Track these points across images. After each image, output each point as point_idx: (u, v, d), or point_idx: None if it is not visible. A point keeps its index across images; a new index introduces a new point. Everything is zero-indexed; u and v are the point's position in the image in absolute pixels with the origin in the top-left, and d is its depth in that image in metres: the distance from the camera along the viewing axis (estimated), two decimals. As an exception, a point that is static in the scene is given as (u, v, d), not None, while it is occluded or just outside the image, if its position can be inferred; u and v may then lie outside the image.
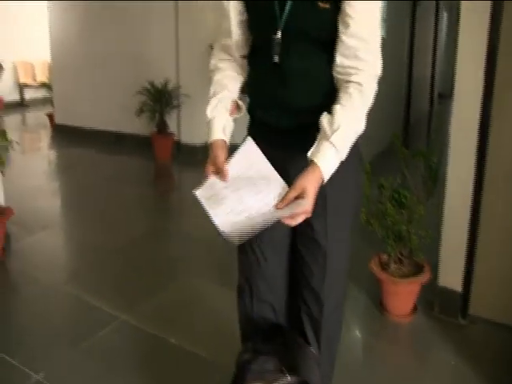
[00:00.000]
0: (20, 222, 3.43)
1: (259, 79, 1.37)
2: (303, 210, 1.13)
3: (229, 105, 1.37)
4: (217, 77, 1.42)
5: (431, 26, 9.10)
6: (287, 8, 1.23)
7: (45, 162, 5.84)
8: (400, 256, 2.38)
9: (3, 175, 3.16)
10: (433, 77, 9.84)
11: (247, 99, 1.39)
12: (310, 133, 1.23)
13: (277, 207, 1.16)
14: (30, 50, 9.63)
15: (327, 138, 1.16)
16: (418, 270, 2.39)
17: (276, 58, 1.26)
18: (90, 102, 6.46)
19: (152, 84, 5.32)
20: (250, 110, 1.41)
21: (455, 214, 2.33)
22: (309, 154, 1.17)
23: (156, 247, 3.26)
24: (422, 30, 7.58)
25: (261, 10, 1.29)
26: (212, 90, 1.40)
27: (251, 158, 1.21)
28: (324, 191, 1.21)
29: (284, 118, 1.30)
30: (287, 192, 1.15)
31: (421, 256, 2.39)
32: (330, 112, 1.19)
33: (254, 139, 1.24)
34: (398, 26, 5.93)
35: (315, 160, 1.15)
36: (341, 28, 1.20)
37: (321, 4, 1.19)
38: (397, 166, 2.41)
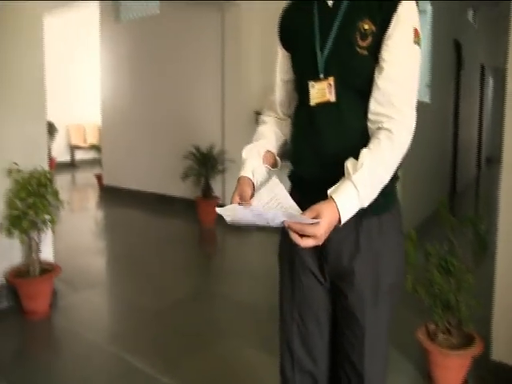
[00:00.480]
0: (67, 279, 3.52)
1: (297, 128, 1.39)
2: (313, 231, 1.09)
3: (262, 151, 1.40)
4: (259, 128, 1.48)
5: (477, 91, 9.12)
6: (325, 52, 1.25)
7: (93, 222, 6.02)
8: (448, 326, 2.28)
9: (53, 233, 3.28)
10: (480, 141, 9.74)
11: (289, 165, 1.42)
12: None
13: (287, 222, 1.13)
14: (82, 113, 10.28)
15: (348, 177, 1.14)
16: (467, 341, 2.27)
17: (312, 102, 1.28)
18: (137, 165, 6.73)
19: (198, 148, 5.48)
20: (290, 175, 1.42)
21: (507, 283, 2.24)
22: (329, 190, 1.14)
23: (199, 309, 3.25)
24: (467, 95, 7.61)
25: (304, 58, 1.32)
26: (253, 138, 1.46)
27: (275, 192, 1.21)
28: (352, 263, 1.22)
29: (317, 168, 1.30)
30: (303, 213, 1.13)
31: (471, 327, 2.28)
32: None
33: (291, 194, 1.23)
34: (442, 91, 5.98)
35: (333, 195, 1.13)
36: (376, 73, 1.21)
37: (359, 50, 1.21)
38: (443, 233, 2.36)
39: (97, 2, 7.05)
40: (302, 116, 1.36)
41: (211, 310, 3.31)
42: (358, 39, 1.21)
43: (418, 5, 1.24)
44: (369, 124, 1.24)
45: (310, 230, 1.09)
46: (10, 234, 2.81)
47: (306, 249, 1.20)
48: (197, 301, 3.42)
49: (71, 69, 9.89)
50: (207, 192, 5.50)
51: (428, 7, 5.09)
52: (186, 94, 5.96)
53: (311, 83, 1.28)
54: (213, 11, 5.47)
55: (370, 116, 1.22)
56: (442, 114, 6.09)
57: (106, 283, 3.92)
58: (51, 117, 8.18)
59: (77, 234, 5.19)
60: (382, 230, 1.27)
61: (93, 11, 7.42)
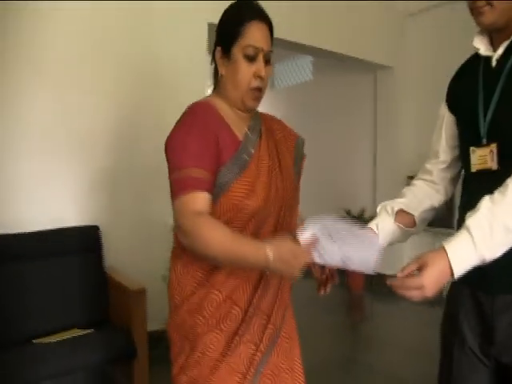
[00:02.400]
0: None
1: (462, 195, 1.34)
2: (415, 284, 1.03)
3: (396, 209, 1.38)
4: (404, 189, 1.47)
5: None
6: (488, 116, 1.20)
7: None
8: None
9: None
10: None
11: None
12: None
13: (397, 276, 1.08)
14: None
15: (464, 225, 1.05)
16: None
17: (473, 168, 1.23)
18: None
19: (348, 212, 5.48)
20: None
21: None
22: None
23: (338, 376, 3.16)
24: None
25: (467, 122, 1.28)
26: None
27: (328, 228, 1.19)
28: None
29: None
30: (409, 262, 1.08)
31: None
32: None
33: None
34: None
35: (444, 243, 1.05)
36: None
37: None
38: None
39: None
40: (464, 183, 1.33)
41: (356, 379, 3.19)
42: None
43: None
44: None
45: (412, 284, 1.04)
46: (171, 285, 3.06)
47: (470, 323, 1.15)
48: (337, 367, 3.33)
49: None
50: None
51: None
52: (339, 157, 6.06)
53: (472, 149, 1.24)
54: (365, 74, 5.58)
55: None
56: None
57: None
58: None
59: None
60: None
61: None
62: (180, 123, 1.31)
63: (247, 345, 1.31)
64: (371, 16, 4.88)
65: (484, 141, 1.21)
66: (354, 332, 4.38)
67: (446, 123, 1.41)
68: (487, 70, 1.25)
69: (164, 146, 1.33)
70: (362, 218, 5.40)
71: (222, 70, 1.36)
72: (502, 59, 1.21)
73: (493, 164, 1.18)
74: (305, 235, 1.18)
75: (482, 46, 1.28)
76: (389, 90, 5.35)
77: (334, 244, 1.17)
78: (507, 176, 1.11)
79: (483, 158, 1.20)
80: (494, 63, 1.23)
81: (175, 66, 3.38)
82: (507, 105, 1.17)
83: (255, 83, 1.34)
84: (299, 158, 1.54)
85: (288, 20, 3.95)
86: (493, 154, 1.19)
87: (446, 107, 1.41)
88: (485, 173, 1.21)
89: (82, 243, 2.84)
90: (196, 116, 1.29)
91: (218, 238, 1.16)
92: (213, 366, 1.28)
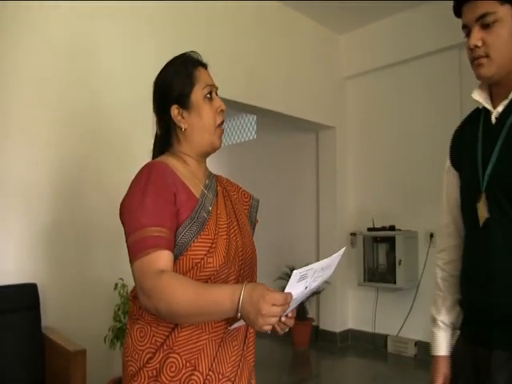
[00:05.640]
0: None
1: (464, 252, 1.36)
2: None
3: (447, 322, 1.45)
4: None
5: None
6: (488, 171, 1.22)
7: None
8: None
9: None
10: None
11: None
12: None
13: None
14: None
15: None
16: None
17: (480, 224, 1.24)
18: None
19: (292, 269, 5.48)
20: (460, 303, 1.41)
21: None
22: None
23: None
24: None
25: (468, 177, 1.30)
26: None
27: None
28: None
29: (489, 297, 1.22)
30: None
31: None
32: None
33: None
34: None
35: None
36: None
37: None
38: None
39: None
40: (467, 239, 1.34)
41: None
42: None
43: None
44: None
45: None
46: (112, 345, 2.94)
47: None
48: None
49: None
50: (302, 314, 5.41)
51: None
52: (282, 215, 6.14)
53: (477, 204, 1.26)
54: (308, 134, 5.80)
55: None
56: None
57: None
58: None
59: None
60: None
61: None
62: (135, 183, 1.28)
63: None
64: (313, 79, 5.16)
65: (483, 194, 1.24)
66: (299, 391, 4.31)
67: (450, 180, 1.43)
68: (487, 124, 1.28)
69: (119, 207, 1.30)
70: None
71: (184, 125, 1.37)
72: (502, 116, 1.25)
73: (486, 213, 1.23)
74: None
75: (481, 100, 1.31)
76: (330, 149, 5.55)
77: (305, 288, 1.16)
78: (498, 223, 1.20)
79: (482, 210, 1.24)
80: (493, 120, 1.27)
81: (120, 121, 3.39)
82: (506, 160, 1.20)
83: (220, 118, 1.41)
84: (253, 220, 1.59)
85: (231, 80, 4.10)
86: (491, 206, 1.22)
87: (450, 163, 1.43)
88: (487, 225, 1.23)
89: (17, 302, 2.70)
90: (151, 175, 1.27)
91: (184, 290, 1.13)
92: None
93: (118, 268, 3.05)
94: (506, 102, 1.25)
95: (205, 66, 1.45)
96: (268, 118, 5.46)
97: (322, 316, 5.47)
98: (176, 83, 1.38)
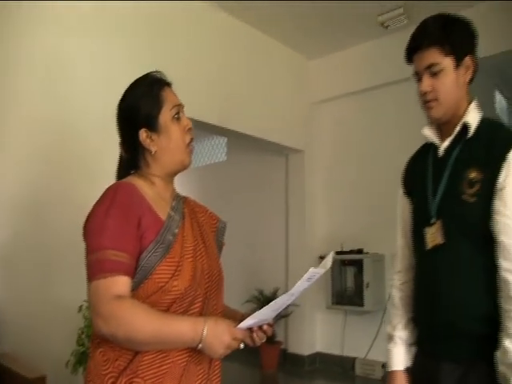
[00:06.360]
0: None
1: (416, 275, 1.49)
2: None
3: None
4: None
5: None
6: (437, 199, 1.35)
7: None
8: None
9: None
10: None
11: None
12: (464, 340, 1.27)
13: None
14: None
15: None
16: None
17: (427, 246, 1.36)
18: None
19: (261, 292, 5.48)
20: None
21: None
22: None
23: None
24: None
25: (419, 204, 1.44)
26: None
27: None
28: None
29: (435, 316, 1.35)
30: None
31: None
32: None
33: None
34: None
35: None
36: (494, 225, 1.25)
37: (467, 197, 1.29)
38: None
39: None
40: (417, 262, 1.47)
41: None
42: (466, 187, 1.31)
43: None
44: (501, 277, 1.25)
45: None
46: (75, 370, 2.84)
47: None
48: None
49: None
50: (270, 336, 5.35)
51: None
52: (251, 237, 6.14)
53: (426, 229, 1.39)
54: (278, 156, 5.83)
55: (503, 273, 1.23)
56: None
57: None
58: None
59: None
60: None
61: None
62: (100, 203, 1.26)
63: None
64: (283, 102, 5.23)
65: (433, 220, 1.37)
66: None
67: (402, 208, 1.56)
68: (436, 157, 1.43)
69: (82, 227, 1.28)
70: (275, 298, 5.37)
71: (153, 148, 1.36)
72: (448, 150, 1.40)
73: (440, 239, 1.34)
74: (244, 325, 1.25)
75: (430, 136, 1.47)
76: (299, 173, 5.61)
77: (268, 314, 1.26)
78: (454, 248, 1.32)
79: (433, 235, 1.36)
80: (440, 154, 1.41)
81: (93, 136, 3.34)
82: (452, 190, 1.34)
83: (189, 137, 1.40)
84: (220, 242, 1.58)
85: (205, 103, 4.11)
86: (441, 231, 1.35)
87: (403, 191, 1.57)
88: (435, 249, 1.36)
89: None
90: (117, 196, 1.25)
91: (145, 319, 1.13)
92: None
93: (83, 289, 2.95)
94: (450, 138, 1.41)
95: (169, 84, 1.44)
96: (239, 140, 5.48)
97: (291, 339, 5.43)
98: (143, 106, 1.36)
